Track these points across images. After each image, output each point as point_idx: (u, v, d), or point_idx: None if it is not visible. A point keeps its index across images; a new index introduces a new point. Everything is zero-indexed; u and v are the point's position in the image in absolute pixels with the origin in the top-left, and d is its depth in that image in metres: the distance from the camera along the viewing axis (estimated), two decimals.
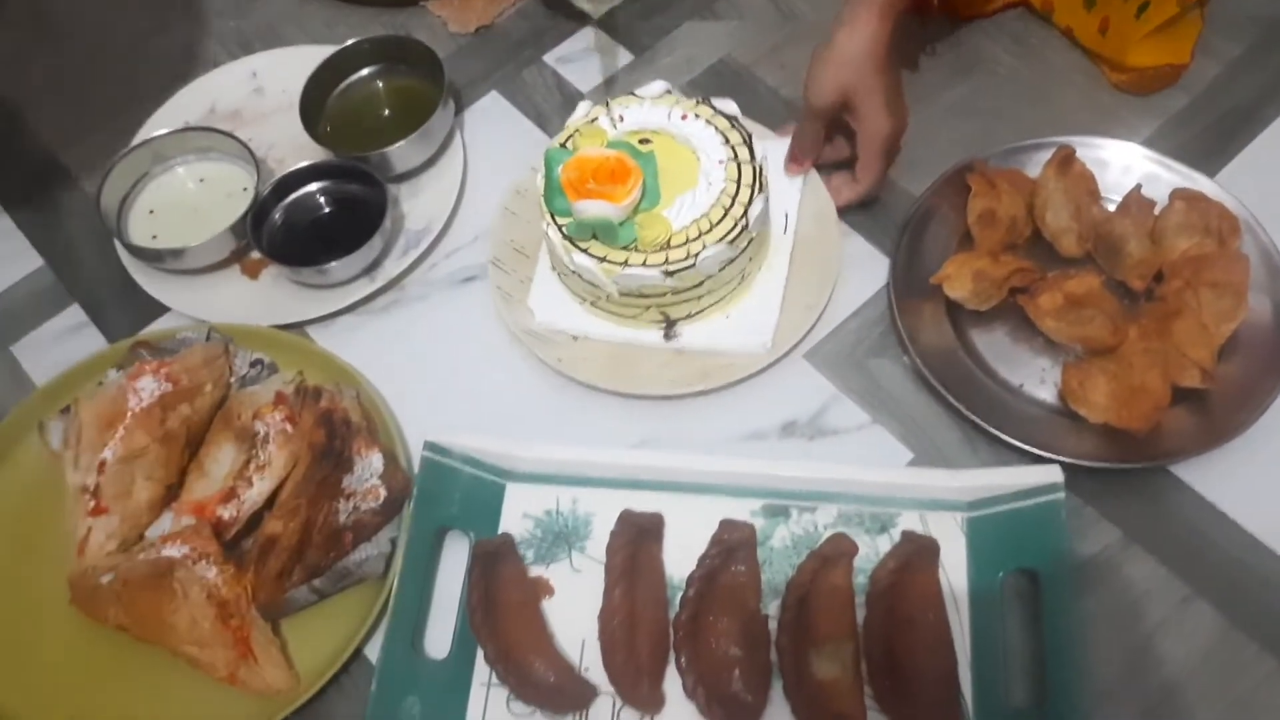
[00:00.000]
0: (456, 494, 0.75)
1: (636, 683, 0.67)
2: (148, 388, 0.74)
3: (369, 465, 0.72)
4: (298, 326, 0.84)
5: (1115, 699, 0.67)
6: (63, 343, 0.86)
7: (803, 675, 0.67)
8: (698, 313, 0.80)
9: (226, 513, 0.71)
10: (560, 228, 0.76)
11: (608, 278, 0.75)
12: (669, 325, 0.79)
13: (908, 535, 0.71)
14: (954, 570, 0.70)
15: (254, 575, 0.70)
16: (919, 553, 0.70)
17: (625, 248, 0.74)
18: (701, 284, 0.77)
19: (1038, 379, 0.79)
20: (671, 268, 0.74)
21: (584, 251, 0.75)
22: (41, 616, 0.72)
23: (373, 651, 0.71)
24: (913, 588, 0.69)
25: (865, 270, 0.84)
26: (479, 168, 0.91)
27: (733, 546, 0.71)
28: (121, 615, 0.69)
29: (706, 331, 0.81)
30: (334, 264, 0.82)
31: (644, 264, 0.74)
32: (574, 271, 0.77)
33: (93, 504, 0.72)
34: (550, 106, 0.95)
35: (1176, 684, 0.67)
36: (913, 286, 0.82)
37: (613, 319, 0.80)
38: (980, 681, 0.67)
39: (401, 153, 0.87)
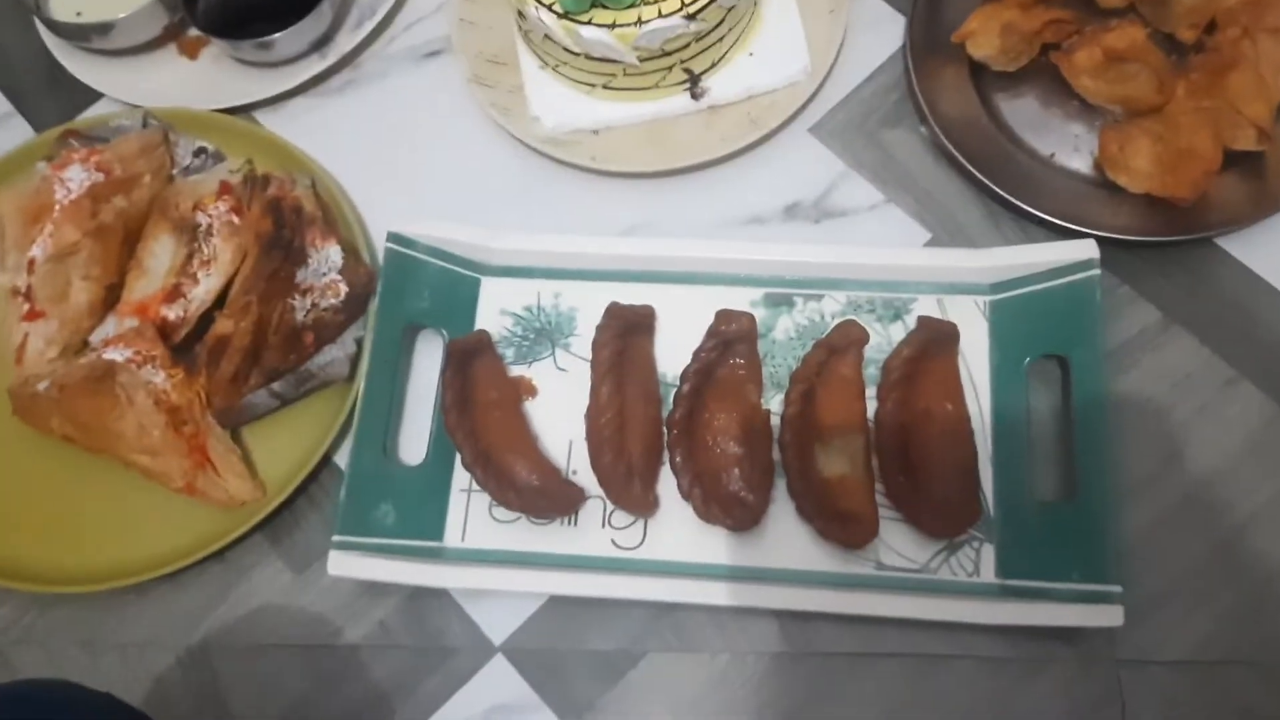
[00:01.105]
0: (426, 289, 0.68)
1: (627, 484, 0.62)
2: (76, 178, 0.66)
3: (326, 258, 0.65)
4: (244, 110, 0.76)
5: (1149, 492, 0.61)
6: None
7: (808, 472, 0.61)
8: (721, 58, 0.71)
9: (172, 313, 0.65)
10: (551, 7, 0.66)
11: (624, 45, 0.65)
12: (694, 82, 0.71)
13: (924, 321, 0.64)
14: (974, 358, 0.64)
15: (206, 379, 0.63)
16: (936, 339, 0.64)
17: (631, 6, 0.65)
18: (722, 21, 0.68)
19: (1071, 147, 0.70)
20: (692, 8, 0.65)
21: (590, 24, 0.66)
22: None
23: (343, 459, 0.66)
24: (929, 376, 0.63)
25: (878, 32, 0.75)
26: None
27: (731, 338, 0.64)
28: (65, 425, 0.63)
29: (735, 77, 0.72)
30: (278, 36, 0.73)
31: (660, 14, 0.65)
32: (580, 54, 0.67)
33: (26, 307, 0.65)
34: None
35: (1217, 473, 0.61)
36: (932, 47, 0.73)
37: (631, 96, 0.72)
38: (1002, 476, 0.61)
39: None
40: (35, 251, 0.65)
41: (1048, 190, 0.69)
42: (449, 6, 0.76)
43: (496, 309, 0.69)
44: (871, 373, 0.64)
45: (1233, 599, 0.59)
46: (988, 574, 0.59)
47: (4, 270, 0.65)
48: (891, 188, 0.71)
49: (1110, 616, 0.56)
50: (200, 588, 0.64)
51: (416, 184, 0.73)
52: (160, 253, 0.66)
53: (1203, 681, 0.57)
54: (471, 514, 0.63)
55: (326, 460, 0.66)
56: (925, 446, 0.61)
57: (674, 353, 0.66)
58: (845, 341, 0.64)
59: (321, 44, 0.75)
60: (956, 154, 0.69)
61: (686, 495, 0.62)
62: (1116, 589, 0.56)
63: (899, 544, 0.61)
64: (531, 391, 0.66)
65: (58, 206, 0.65)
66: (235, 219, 0.66)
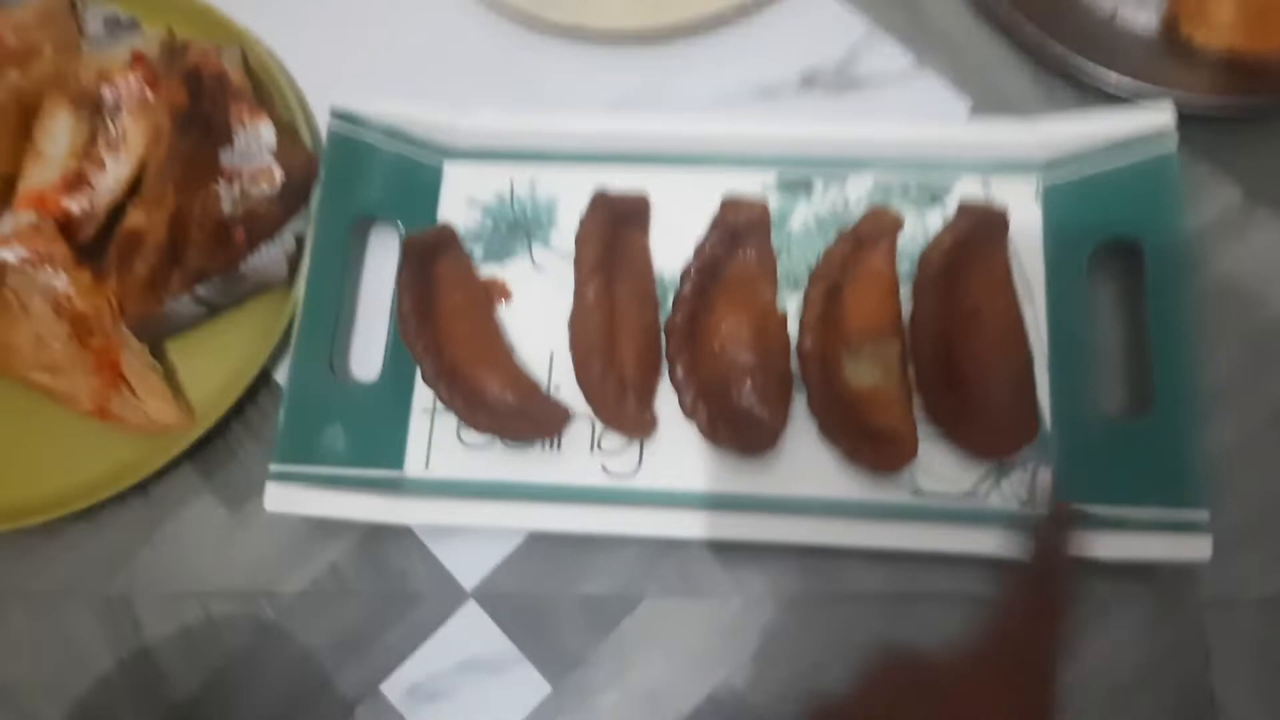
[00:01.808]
0: (378, 176, 0.57)
1: (620, 400, 0.52)
2: None
3: (255, 138, 0.55)
4: None
5: (1233, 404, 0.52)
6: None
7: (833, 384, 0.52)
8: None
9: (76, 205, 0.54)
10: None
11: None
12: None
13: (967, 206, 0.54)
14: (1026, 248, 0.54)
15: (118, 283, 0.53)
16: (982, 226, 0.53)
17: None
18: None
19: (1135, 1, 0.59)
20: None
21: None
22: None
23: (285, 378, 0.56)
24: (975, 270, 0.53)
25: None
26: None
27: (739, 230, 0.54)
28: None
29: None
30: None
31: None
32: None
33: None
34: None
35: None
36: None
37: None
38: (1061, 386, 0.52)
39: None
40: None
41: (1108, 49, 0.58)
42: None
43: (462, 199, 0.58)
44: (906, 268, 0.54)
45: None
46: (1045, 501, 0.50)
47: None
48: (925, 51, 0.60)
49: (1197, 548, 0.47)
50: (120, 527, 0.55)
51: (366, 55, 0.63)
52: (58, 134, 0.55)
53: None
54: (436, 438, 0.54)
55: (265, 379, 0.56)
56: (971, 352, 0.52)
57: (672, 248, 0.55)
58: (875, 231, 0.54)
59: None
60: (1001, 8, 0.58)
61: (690, 413, 0.52)
62: (1204, 516, 0.47)
63: (940, 467, 0.51)
64: (505, 295, 0.56)
65: None
66: (149, 94, 0.55)
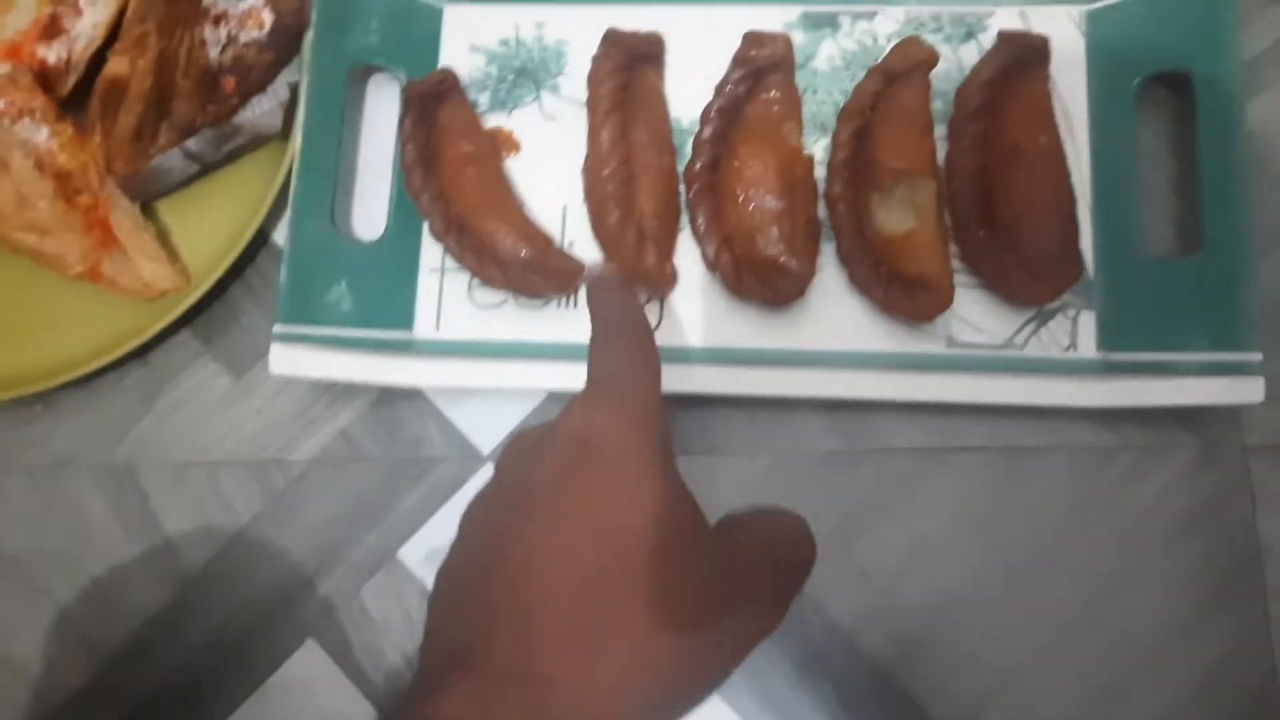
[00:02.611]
0: (374, 20, 0.54)
1: (639, 252, 0.49)
2: None
3: None
4: None
5: None
6: None
7: (864, 230, 0.49)
8: None
9: (53, 54, 0.51)
10: None
11: None
12: None
13: (1005, 36, 0.50)
14: (1068, 82, 0.51)
15: (103, 137, 0.50)
16: (1022, 58, 0.50)
17: None
18: None
19: None
20: None
21: None
22: None
23: (284, 238, 0.53)
24: (1014, 105, 0.50)
25: None
26: None
27: (762, 66, 0.51)
28: None
29: None
30: None
31: None
32: None
33: None
34: None
35: None
36: None
37: None
38: (1106, 225, 0.49)
39: None
40: None
41: None
42: None
43: (465, 44, 0.55)
44: (940, 107, 0.51)
45: None
46: (1088, 348, 0.48)
47: None
48: None
49: (1249, 391, 0.45)
50: (119, 396, 0.52)
51: None
52: None
53: None
54: (447, 297, 0.51)
55: (265, 240, 0.53)
56: (1011, 192, 0.49)
57: (691, 90, 0.52)
58: (907, 64, 0.50)
59: None
60: None
61: (713, 265, 0.50)
62: (1256, 357, 0.45)
63: (977, 316, 0.49)
64: (513, 146, 0.53)
65: None
66: None
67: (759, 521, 0.35)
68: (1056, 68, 0.51)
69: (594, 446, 0.31)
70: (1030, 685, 0.46)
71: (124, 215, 0.51)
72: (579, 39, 0.54)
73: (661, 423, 0.32)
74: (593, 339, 0.36)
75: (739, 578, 0.31)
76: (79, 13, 0.51)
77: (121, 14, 0.51)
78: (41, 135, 0.49)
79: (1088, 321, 0.48)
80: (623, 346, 0.35)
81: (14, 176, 0.49)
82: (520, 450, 0.35)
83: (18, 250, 0.51)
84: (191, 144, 0.51)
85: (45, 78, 0.51)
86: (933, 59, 0.50)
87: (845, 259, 0.50)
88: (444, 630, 0.31)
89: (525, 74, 0.54)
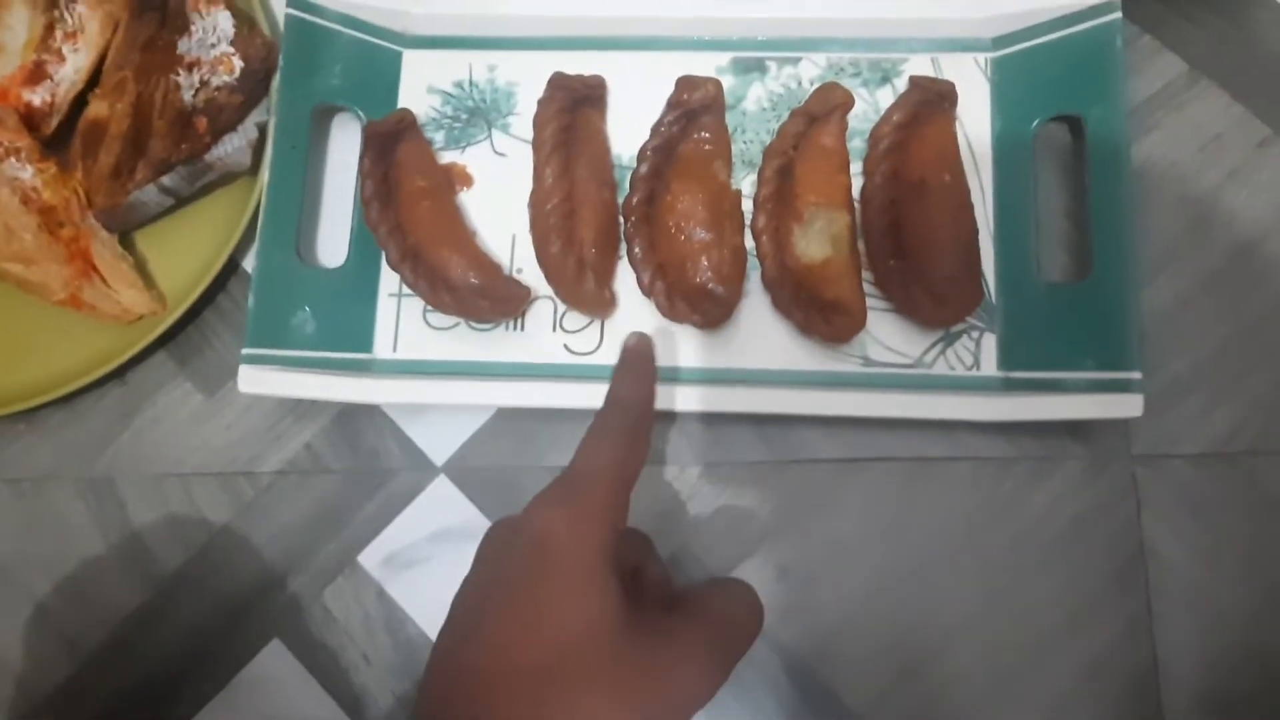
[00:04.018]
0: (337, 64, 0.58)
1: (580, 279, 0.54)
2: None
3: (213, 26, 0.55)
4: None
5: (1169, 268, 0.54)
6: None
7: (786, 258, 0.54)
8: None
9: (38, 98, 0.55)
10: None
11: None
12: None
13: (916, 81, 0.55)
14: (974, 123, 0.56)
15: (84, 174, 0.54)
16: (931, 100, 0.55)
17: None
18: None
19: None
20: None
21: None
22: None
23: (252, 265, 0.57)
24: (923, 144, 0.55)
25: None
26: None
27: (694, 109, 0.55)
28: None
29: None
30: None
31: None
32: None
33: None
34: None
35: (1249, 244, 0.54)
36: None
37: None
38: (1006, 254, 0.53)
39: None
40: None
41: None
42: None
43: (422, 86, 0.59)
44: (857, 145, 0.56)
45: (1262, 384, 0.52)
46: (989, 366, 0.53)
47: None
48: None
49: (1129, 406, 0.49)
50: (99, 414, 0.56)
51: None
52: (15, 25, 0.56)
53: (1227, 474, 0.51)
54: (403, 321, 0.56)
55: (235, 268, 0.57)
56: (919, 223, 0.53)
57: (629, 130, 0.57)
58: (826, 106, 0.55)
59: None
60: None
61: (648, 291, 0.54)
62: (1136, 376, 0.49)
63: (889, 337, 0.53)
64: (466, 181, 0.58)
65: None
66: None
67: (709, 594, 0.40)
68: (963, 109, 0.55)
69: (548, 549, 0.37)
70: (936, 674, 0.51)
71: (103, 246, 0.55)
72: (528, 81, 0.58)
73: (613, 527, 0.38)
74: (598, 415, 0.42)
75: (677, 652, 0.36)
76: (62, 60, 0.55)
77: (102, 60, 0.55)
78: (27, 173, 0.53)
79: (989, 343, 0.53)
80: (611, 442, 0.41)
81: (2, 211, 0.53)
82: (496, 540, 0.40)
83: (3, 279, 0.55)
84: (167, 180, 0.55)
85: (30, 119, 0.55)
86: (849, 102, 0.55)
87: (769, 285, 0.54)
88: (431, 697, 0.36)
89: (478, 114, 0.58)
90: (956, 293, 0.52)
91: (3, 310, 0.57)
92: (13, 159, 0.53)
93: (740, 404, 0.52)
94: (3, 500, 0.56)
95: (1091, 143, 0.53)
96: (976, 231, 0.53)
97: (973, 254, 0.53)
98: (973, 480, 0.52)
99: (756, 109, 0.57)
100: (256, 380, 0.53)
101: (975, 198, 0.54)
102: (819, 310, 0.53)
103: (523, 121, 0.58)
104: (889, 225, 0.53)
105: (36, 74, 0.55)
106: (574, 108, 0.56)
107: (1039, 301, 0.52)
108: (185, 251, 0.57)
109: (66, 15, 0.55)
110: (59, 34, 0.55)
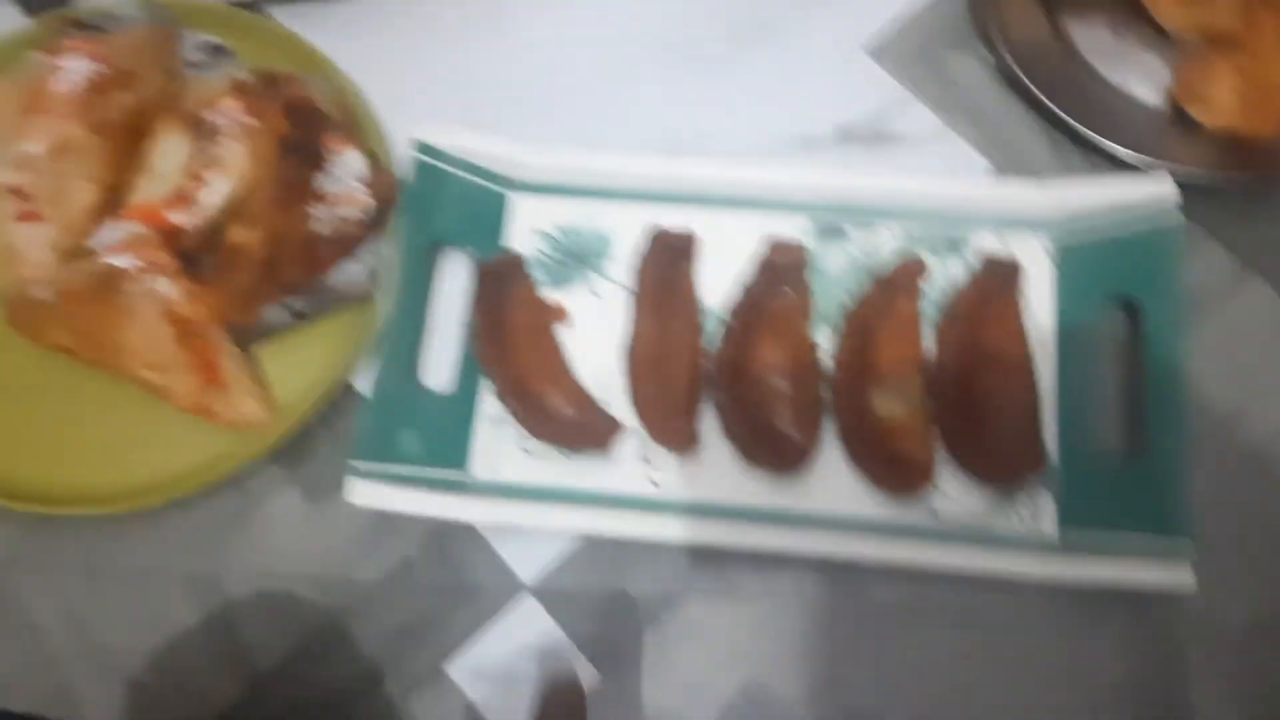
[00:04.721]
0: (453, 204, 0.63)
1: (668, 417, 0.58)
2: (77, 69, 0.61)
3: (346, 165, 0.60)
4: (258, 5, 0.70)
5: (1221, 444, 0.58)
6: None
7: (861, 414, 0.58)
8: None
9: (181, 219, 0.60)
10: None
11: None
12: None
13: (986, 258, 0.60)
14: (1038, 298, 0.60)
15: (218, 292, 0.59)
16: (999, 278, 0.60)
17: None
18: None
19: (1145, 77, 0.66)
20: None
21: None
22: None
23: (362, 384, 0.62)
24: (991, 316, 0.59)
25: None
26: None
27: (781, 269, 0.61)
28: (65, 336, 0.59)
29: None
30: None
31: None
32: None
33: (22, 208, 0.60)
34: None
35: None
36: None
37: None
38: (1065, 425, 0.58)
39: None
40: (30, 147, 0.59)
41: (1118, 122, 0.64)
42: None
43: (527, 228, 0.64)
44: (928, 310, 0.60)
45: None
46: (1048, 526, 0.56)
47: None
48: (952, 114, 0.66)
49: (1180, 576, 0.53)
50: (210, 514, 0.60)
51: (440, 90, 0.68)
52: (169, 153, 0.61)
53: (1278, 646, 0.55)
54: (500, 445, 0.60)
55: (345, 385, 0.62)
56: (986, 390, 0.58)
57: (717, 280, 0.62)
58: (904, 277, 0.60)
59: None
60: (1021, 77, 0.65)
61: (729, 433, 0.58)
62: (1187, 545, 0.53)
63: (954, 492, 0.57)
64: (563, 318, 0.62)
65: (56, 99, 0.60)
66: (248, 120, 0.61)
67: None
68: (1029, 285, 0.60)
69: None
70: None
71: (229, 358, 0.59)
72: (625, 230, 0.64)
73: None
74: None
75: None
76: (206, 186, 0.60)
77: (242, 189, 0.61)
78: (168, 288, 0.58)
79: (1048, 504, 0.57)
80: None
81: (143, 322, 0.57)
82: None
83: (138, 383, 0.59)
84: (292, 301, 0.60)
85: (173, 239, 0.60)
86: (925, 273, 0.60)
87: (843, 436, 0.58)
88: None
89: (577, 257, 0.64)
90: (1018, 456, 0.56)
91: (132, 411, 0.60)
92: (156, 275, 0.58)
93: (812, 545, 0.56)
94: (113, 589, 0.59)
95: (1148, 327, 0.57)
96: (1039, 400, 0.58)
97: (1035, 421, 0.57)
98: (1027, 634, 0.56)
99: (836, 270, 0.62)
100: (363, 493, 0.56)
101: (1038, 368, 0.58)
102: (891, 463, 0.57)
103: (618, 266, 0.63)
104: (958, 389, 0.58)
105: (183, 198, 0.60)
106: (669, 260, 0.61)
107: (1096, 470, 0.56)
108: (302, 367, 0.61)
109: (215, 147, 0.60)
110: (206, 163, 0.60)
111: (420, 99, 0.67)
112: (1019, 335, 0.59)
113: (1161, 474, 0.55)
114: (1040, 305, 0.60)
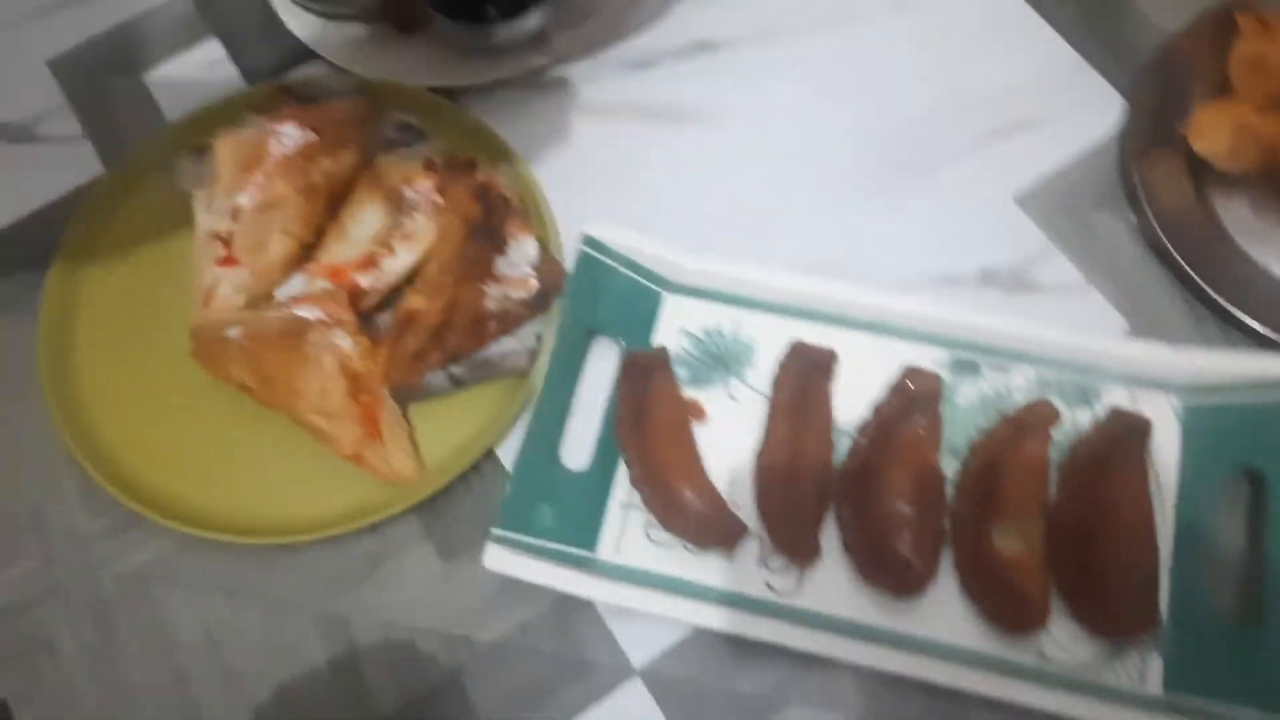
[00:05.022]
0: (611, 297, 0.67)
1: (792, 527, 0.61)
2: (291, 135, 0.67)
3: (522, 251, 0.65)
4: (451, 93, 0.76)
5: None
6: (197, 78, 0.79)
7: (981, 548, 0.60)
8: None
9: (365, 281, 0.65)
10: None
11: None
12: None
13: (1116, 412, 0.62)
14: (1163, 458, 0.62)
15: (390, 352, 0.63)
16: (1127, 433, 0.62)
17: None
18: None
19: None
20: None
21: None
22: (163, 367, 0.67)
23: (504, 453, 0.66)
24: (1117, 470, 0.61)
25: (1095, 110, 0.73)
26: None
27: (915, 397, 0.63)
28: (246, 374, 0.63)
29: None
30: (500, 27, 0.73)
31: None
32: None
33: (223, 253, 0.66)
34: None
35: None
36: (1151, 133, 0.71)
37: None
38: (1180, 586, 0.59)
39: None
40: (243, 199, 0.65)
41: (1258, 298, 0.67)
42: None
43: (676, 327, 0.68)
44: (1053, 455, 0.62)
45: None
46: (1154, 686, 0.57)
47: (209, 212, 0.66)
48: (1093, 270, 0.69)
49: None
50: (349, 557, 0.64)
51: (608, 190, 0.73)
52: (366, 220, 0.66)
53: None
54: (628, 529, 0.63)
55: (489, 451, 0.65)
56: (1106, 542, 0.59)
57: (851, 399, 0.65)
58: (1036, 420, 0.62)
59: (539, 40, 0.76)
60: (1165, 243, 0.68)
61: (850, 550, 0.60)
62: None
63: (1064, 637, 0.59)
64: (700, 416, 0.66)
65: (271, 160, 0.66)
66: (438, 198, 0.66)
67: None
68: (1155, 443, 0.62)
69: None
70: None
71: (390, 413, 0.63)
72: (767, 340, 0.67)
73: None
74: None
75: None
76: (393, 254, 0.65)
77: (424, 260, 0.66)
78: (345, 343, 0.63)
79: (1156, 663, 0.58)
80: None
81: (321, 371, 0.62)
82: None
83: (305, 427, 0.63)
84: (454, 369, 0.64)
85: (355, 298, 0.65)
86: (1056, 419, 0.62)
87: (960, 567, 0.60)
88: None
89: (719, 360, 0.67)
90: (1132, 612, 0.58)
91: (294, 451, 0.65)
92: (337, 329, 0.63)
93: (920, 670, 0.58)
94: (250, 616, 0.63)
95: (1273, 500, 0.59)
96: (1157, 559, 0.59)
97: (1151, 579, 0.58)
98: None
99: (967, 404, 0.64)
100: (500, 559, 0.60)
101: (1158, 527, 0.60)
102: (1005, 600, 0.58)
103: (758, 374, 0.66)
104: (1077, 538, 0.59)
105: (370, 262, 0.65)
106: (808, 374, 0.65)
107: (1208, 635, 0.57)
108: (452, 430, 0.65)
109: (407, 220, 0.66)
110: (397, 234, 0.66)
111: (589, 194, 0.72)
112: (1143, 492, 0.60)
113: (1276, 648, 0.55)
114: (1165, 464, 0.62)
